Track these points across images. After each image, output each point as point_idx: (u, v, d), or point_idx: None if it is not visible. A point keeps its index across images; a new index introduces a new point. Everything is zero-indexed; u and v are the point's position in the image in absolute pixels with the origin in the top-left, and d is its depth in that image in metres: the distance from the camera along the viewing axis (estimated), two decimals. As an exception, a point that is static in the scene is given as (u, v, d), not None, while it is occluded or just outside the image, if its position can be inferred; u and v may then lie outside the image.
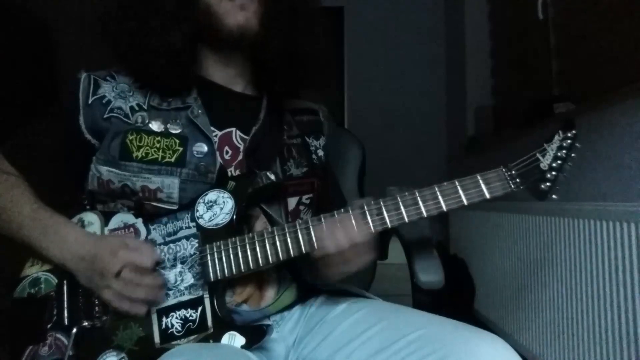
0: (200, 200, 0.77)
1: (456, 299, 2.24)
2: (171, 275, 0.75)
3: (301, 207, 0.89)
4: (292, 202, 0.87)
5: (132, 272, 0.71)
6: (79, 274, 0.74)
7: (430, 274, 1.04)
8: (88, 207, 0.82)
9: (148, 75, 0.79)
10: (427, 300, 1.14)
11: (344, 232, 0.71)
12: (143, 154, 0.77)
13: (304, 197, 0.89)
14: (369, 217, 0.73)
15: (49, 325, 0.74)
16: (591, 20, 1.70)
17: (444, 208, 0.73)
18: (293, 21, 0.82)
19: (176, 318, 0.73)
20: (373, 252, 0.75)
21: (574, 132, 0.74)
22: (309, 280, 0.86)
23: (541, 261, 1.64)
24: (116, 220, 0.79)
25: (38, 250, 0.76)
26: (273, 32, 0.81)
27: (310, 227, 0.74)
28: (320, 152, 0.96)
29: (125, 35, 0.77)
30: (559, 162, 0.73)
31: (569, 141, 0.74)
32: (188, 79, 0.82)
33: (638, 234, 1.16)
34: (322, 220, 0.73)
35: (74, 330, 0.72)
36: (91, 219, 0.79)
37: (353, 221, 0.72)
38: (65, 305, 0.75)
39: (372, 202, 0.73)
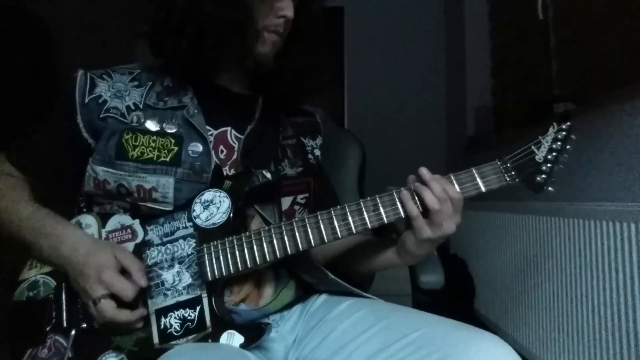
0: (197, 200, 0.77)
1: (456, 299, 2.24)
2: (169, 275, 0.75)
3: (296, 207, 0.89)
4: (286, 202, 0.87)
5: (108, 305, 0.70)
6: (70, 278, 0.74)
7: (430, 274, 1.03)
8: (85, 209, 0.82)
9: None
10: (427, 300, 1.14)
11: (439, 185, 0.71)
12: (138, 154, 0.77)
13: (299, 196, 0.89)
14: (365, 213, 0.72)
15: (48, 328, 0.73)
16: (591, 20, 1.70)
17: None
18: (303, 53, 0.86)
19: (175, 318, 0.72)
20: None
21: (568, 124, 0.74)
22: (307, 279, 0.86)
23: (541, 261, 1.64)
24: (113, 222, 0.79)
25: (35, 251, 0.76)
26: (283, 65, 0.85)
27: (307, 224, 0.73)
28: (317, 152, 0.96)
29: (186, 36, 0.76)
30: (554, 154, 0.73)
31: (563, 133, 0.74)
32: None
33: (638, 234, 1.16)
34: (319, 217, 0.73)
35: (73, 332, 0.72)
36: (89, 221, 0.79)
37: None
38: (64, 308, 0.74)
39: (369, 198, 0.73)
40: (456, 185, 0.73)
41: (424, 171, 0.72)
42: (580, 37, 1.79)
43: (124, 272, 0.73)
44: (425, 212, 0.71)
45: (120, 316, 0.71)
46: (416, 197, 0.72)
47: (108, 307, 0.70)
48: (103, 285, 0.71)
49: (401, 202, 0.72)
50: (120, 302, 0.71)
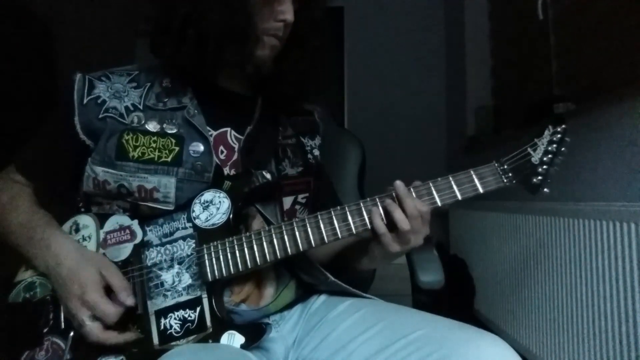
0: (197, 201, 0.77)
1: (456, 299, 2.24)
2: (168, 276, 0.75)
3: (297, 207, 0.89)
4: (287, 201, 0.87)
5: (96, 325, 0.70)
6: (55, 288, 0.73)
7: (430, 274, 1.03)
8: (83, 209, 0.82)
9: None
10: (427, 300, 1.13)
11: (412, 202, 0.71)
12: (139, 154, 0.77)
13: (300, 196, 0.89)
14: (364, 214, 0.73)
15: (45, 330, 0.73)
16: (591, 20, 1.69)
17: (439, 203, 0.73)
18: (303, 57, 0.86)
19: (175, 319, 0.72)
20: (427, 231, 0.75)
21: (563, 126, 0.76)
22: (307, 280, 0.86)
23: (541, 261, 1.64)
24: (112, 222, 0.78)
25: (26, 259, 0.76)
26: (283, 68, 0.85)
27: (307, 224, 0.74)
28: (316, 152, 0.96)
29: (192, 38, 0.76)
30: (549, 156, 0.75)
31: (558, 135, 0.75)
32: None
33: (638, 234, 1.16)
34: (319, 217, 0.74)
35: (72, 333, 0.72)
36: (86, 221, 0.79)
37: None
38: (62, 309, 0.74)
39: (369, 199, 0.74)
40: (414, 197, 0.73)
41: (399, 186, 0.72)
42: (580, 37, 1.79)
43: (110, 289, 0.72)
44: (393, 227, 0.71)
45: (108, 339, 0.70)
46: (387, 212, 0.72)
47: (94, 331, 0.69)
48: (86, 307, 0.70)
49: (369, 219, 0.72)
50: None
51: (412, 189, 0.74)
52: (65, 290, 0.71)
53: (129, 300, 0.72)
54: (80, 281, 0.71)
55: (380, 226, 0.71)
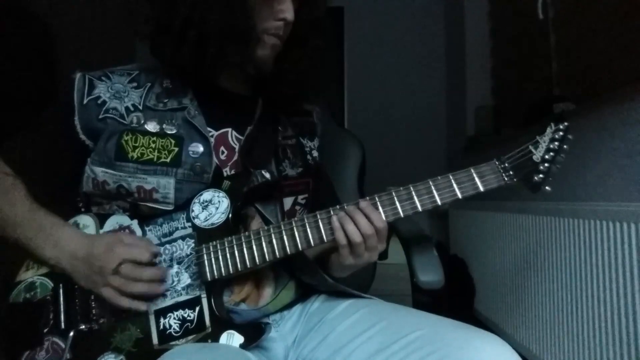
0: (196, 200, 0.77)
1: (456, 299, 2.24)
2: (168, 276, 0.75)
3: (297, 208, 0.89)
4: (287, 202, 0.87)
5: (130, 267, 0.71)
6: (75, 274, 0.74)
7: (430, 274, 1.03)
8: (83, 209, 0.82)
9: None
10: (427, 300, 1.13)
11: (366, 218, 0.73)
12: (138, 155, 0.77)
13: (300, 197, 0.89)
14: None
15: (45, 330, 0.73)
16: (591, 20, 1.70)
17: (439, 202, 0.73)
18: (303, 57, 0.86)
19: (174, 319, 0.72)
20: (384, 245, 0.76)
21: (566, 124, 0.75)
22: (307, 280, 0.86)
23: (541, 261, 1.64)
24: (111, 222, 0.78)
25: (33, 251, 0.75)
26: (283, 68, 0.85)
27: (306, 224, 0.74)
28: (315, 153, 0.96)
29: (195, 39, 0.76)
30: (551, 154, 0.74)
31: (561, 133, 0.75)
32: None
33: (638, 234, 1.16)
34: (318, 216, 0.74)
35: (72, 333, 0.72)
36: (86, 221, 0.79)
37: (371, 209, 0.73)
38: (62, 309, 0.74)
39: (367, 198, 0.74)
40: (381, 211, 0.74)
41: (362, 203, 0.73)
42: (580, 37, 1.79)
43: None
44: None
45: (143, 274, 0.72)
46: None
47: (130, 269, 0.71)
48: (117, 256, 0.71)
49: (333, 229, 0.73)
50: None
51: (411, 187, 0.74)
52: (90, 260, 0.72)
53: (152, 248, 0.74)
54: (104, 243, 0.73)
55: (342, 238, 0.73)
